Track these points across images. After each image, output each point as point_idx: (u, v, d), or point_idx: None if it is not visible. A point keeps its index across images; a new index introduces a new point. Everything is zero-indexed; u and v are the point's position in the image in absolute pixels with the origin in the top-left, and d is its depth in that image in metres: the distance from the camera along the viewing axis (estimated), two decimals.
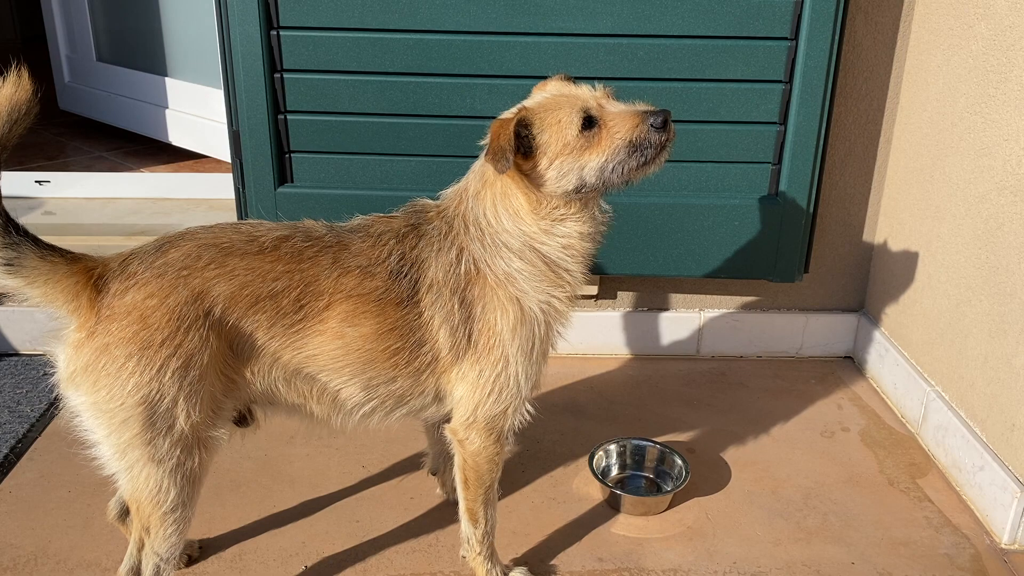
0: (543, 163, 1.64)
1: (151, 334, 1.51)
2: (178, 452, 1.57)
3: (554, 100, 1.66)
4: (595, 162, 1.63)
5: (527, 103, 1.70)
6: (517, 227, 1.68)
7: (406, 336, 1.68)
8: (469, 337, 1.70)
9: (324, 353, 1.65)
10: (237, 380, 1.64)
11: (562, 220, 1.70)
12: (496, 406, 1.74)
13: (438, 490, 2.25)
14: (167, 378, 1.53)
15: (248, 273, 1.59)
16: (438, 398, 1.79)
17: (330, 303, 1.63)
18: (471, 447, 1.78)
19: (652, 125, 1.63)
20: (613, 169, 1.64)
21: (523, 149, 1.64)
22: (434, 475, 2.27)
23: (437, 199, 1.80)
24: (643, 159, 1.65)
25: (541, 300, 1.72)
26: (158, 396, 1.53)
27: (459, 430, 1.78)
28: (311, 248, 1.64)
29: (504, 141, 1.58)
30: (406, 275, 1.68)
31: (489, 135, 1.63)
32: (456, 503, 1.94)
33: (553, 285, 1.72)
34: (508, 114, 1.68)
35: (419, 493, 2.26)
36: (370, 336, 1.66)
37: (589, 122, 1.63)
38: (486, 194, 1.70)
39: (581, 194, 1.68)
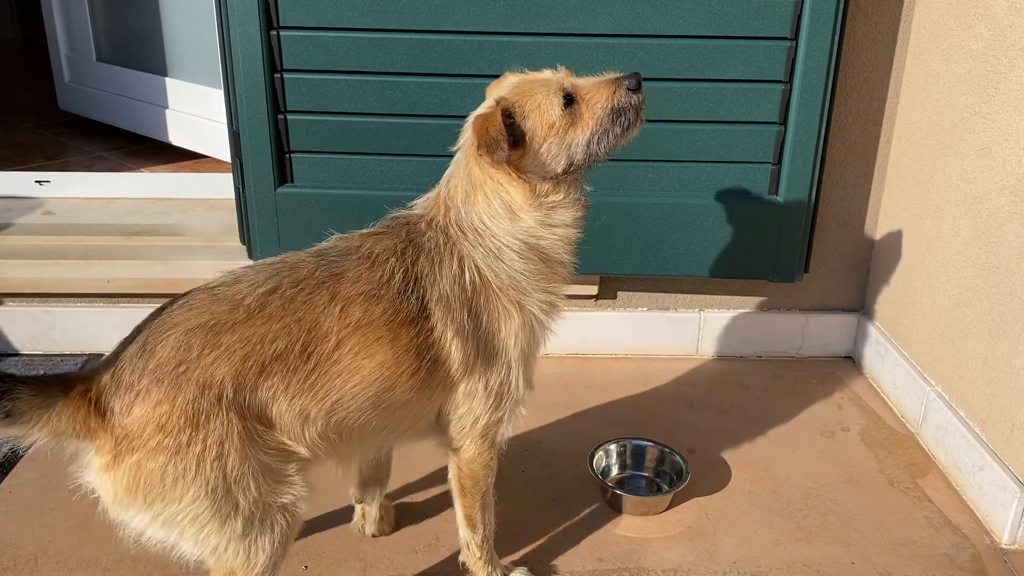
0: (531, 149, 1.64)
1: (174, 439, 1.45)
2: (256, 524, 1.54)
3: (528, 87, 1.66)
4: (582, 137, 1.64)
5: (502, 94, 1.67)
6: (514, 224, 1.67)
7: (422, 354, 1.62)
8: (478, 347, 1.67)
9: (347, 393, 1.57)
10: (280, 448, 1.56)
11: (554, 208, 1.69)
12: (496, 413, 1.73)
13: (362, 526, 2.10)
14: (210, 472, 1.47)
15: (245, 345, 1.49)
16: (439, 412, 1.75)
17: (339, 341, 1.55)
18: (466, 455, 1.77)
19: (628, 88, 1.66)
20: (599, 140, 1.65)
21: (509, 138, 1.62)
22: (358, 504, 2.09)
23: (411, 209, 1.75)
24: (626, 123, 1.67)
25: (541, 300, 1.71)
26: (210, 489, 1.48)
27: (455, 439, 1.76)
28: (302, 293, 1.56)
29: (495, 132, 1.57)
30: (412, 292, 1.62)
31: (474, 130, 1.61)
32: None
33: (551, 281, 1.72)
34: (485, 108, 1.65)
35: (419, 493, 2.26)
36: (387, 363, 1.59)
37: (568, 100, 1.64)
38: (477, 196, 1.67)
39: (568, 173, 1.68)
